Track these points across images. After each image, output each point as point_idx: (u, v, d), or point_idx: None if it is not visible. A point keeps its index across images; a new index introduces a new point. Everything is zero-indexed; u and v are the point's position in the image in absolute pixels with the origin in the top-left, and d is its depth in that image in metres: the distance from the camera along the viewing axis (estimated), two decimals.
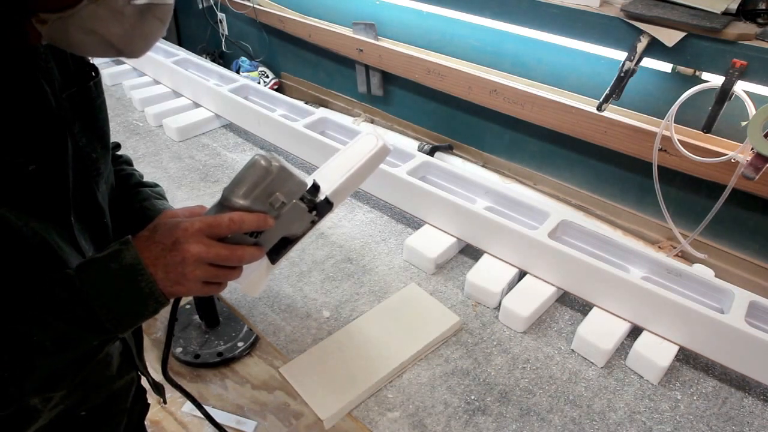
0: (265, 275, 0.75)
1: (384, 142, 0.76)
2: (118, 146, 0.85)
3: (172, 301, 0.63)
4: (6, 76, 0.56)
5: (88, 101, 0.68)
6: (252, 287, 0.75)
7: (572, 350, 1.02)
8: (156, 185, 0.87)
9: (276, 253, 0.71)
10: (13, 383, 0.53)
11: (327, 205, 0.71)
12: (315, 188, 0.69)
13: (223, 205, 0.62)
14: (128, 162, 0.89)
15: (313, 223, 0.70)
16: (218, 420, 0.88)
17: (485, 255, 1.17)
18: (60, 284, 0.55)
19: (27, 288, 0.55)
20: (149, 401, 0.98)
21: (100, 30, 0.53)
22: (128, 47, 0.56)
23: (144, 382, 0.91)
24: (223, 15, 2.44)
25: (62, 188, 0.62)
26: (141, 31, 0.56)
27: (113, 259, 0.57)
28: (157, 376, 0.97)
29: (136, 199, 0.82)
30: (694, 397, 0.94)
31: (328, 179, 0.73)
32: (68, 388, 0.66)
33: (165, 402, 0.95)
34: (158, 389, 0.92)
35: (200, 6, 2.47)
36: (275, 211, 0.63)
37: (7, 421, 0.61)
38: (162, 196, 0.85)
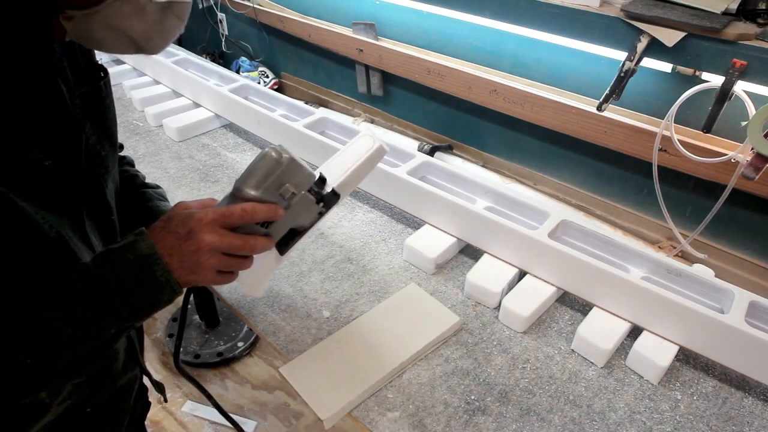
0: (271, 270, 0.76)
1: (381, 143, 0.78)
2: (121, 147, 0.87)
3: (184, 291, 0.65)
4: (28, 73, 0.58)
5: (98, 100, 0.70)
6: (255, 287, 0.76)
7: (572, 350, 1.02)
8: (158, 187, 0.89)
9: (284, 244, 0.73)
10: (36, 369, 0.55)
11: (334, 197, 0.73)
12: (322, 180, 0.72)
13: (235, 196, 0.64)
14: (131, 163, 0.91)
15: (321, 214, 0.73)
16: (219, 420, 0.88)
17: (485, 255, 1.17)
18: (78, 274, 0.57)
19: (47, 278, 0.57)
20: (149, 400, 0.99)
21: (122, 26, 0.55)
22: (148, 44, 0.59)
23: (145, 381, 0.92)
24: (223, 15, 2.44)
25: (75, 184, 0.64)
26: (161, 27, 0.58)
27: (129, 249, 0.58)
28: (158, 375, 0.98)
29: (143, 200, 0.84)
30: (694, 397, 0.94)
31: (332, 174, 0.75)
32: (85, 377, 0.68)
33: (165, 400, 0.96)
34: (159, 388, 0.94)
35: (200, 6, 2.47)
36: (285, 201, 0.65)
37: (17, 416, 0.63)
38: (164, 198, 0.88)
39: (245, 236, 0.63)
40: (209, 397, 0.85)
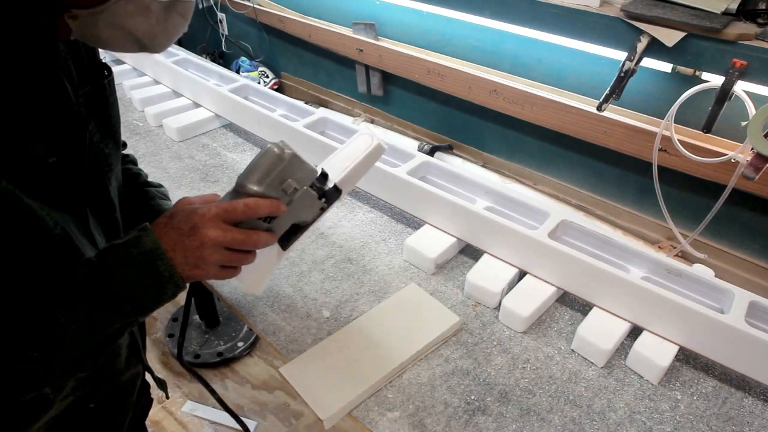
0: (272, 266, 0.77)
1: (379, 140, 0.78)
2: (124, 145, 0.88)
3: (187, 286, 0.66)
4: (33, 71, 0.58)
5: (102, 99, 0.71)
6: (256, 284, 0.77)
7: (572, 350, 1.02)
8: (160, 185, 0.90)
9: (287, 240, 0.73)
10: (41, 364, 0.56)
11: (336, 193, 0.74)
12: (324, 176, 0.72)
13: (238, 191, 0.64)
14: (134, 162, 0.91)
15: (323, 210, 0.73)
16: (218, 420, 0.88)
17: (485, 255, 1.17)
18: (82, 269, 0.58)
19: (53, 273, 0.57)
20: (151, 397, 0.99)
21: (127, 25, 0.56)
22: (152, 42, 0.59)
23: (147, 378, 0.93)
24: (223, 15, 2.44)
25: (79, 182, 0.65)
26: (165, 26, 0.59)
27: (133, 244, 0.59)
28: (158, 375, 0.98)
29: (145, 198, 0.85)
30: (694, 397, 0.94)
31: (332, 171, 0.76)
32: (88, 372, 0.68)
33: (167, 397, 0.97)
34: (161, 384, 0.94)
35: (200, 6, 2.46)
36: (287, 197, 0.66)
37: (21, 411, 0.63)
38: (166, 197, 0.88)
39: (248, 231, 0.63)
40: (212, 392, 0.85)
